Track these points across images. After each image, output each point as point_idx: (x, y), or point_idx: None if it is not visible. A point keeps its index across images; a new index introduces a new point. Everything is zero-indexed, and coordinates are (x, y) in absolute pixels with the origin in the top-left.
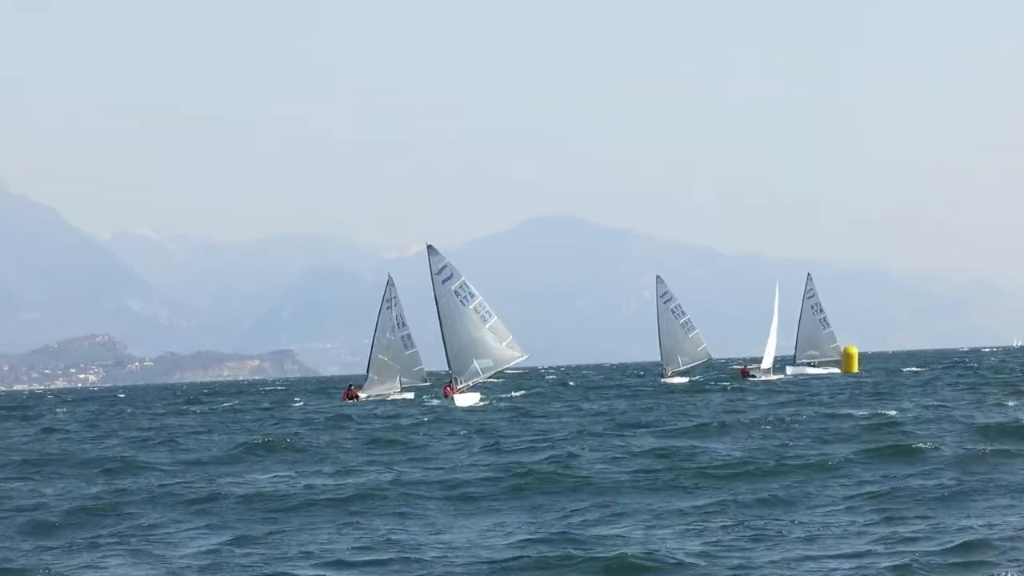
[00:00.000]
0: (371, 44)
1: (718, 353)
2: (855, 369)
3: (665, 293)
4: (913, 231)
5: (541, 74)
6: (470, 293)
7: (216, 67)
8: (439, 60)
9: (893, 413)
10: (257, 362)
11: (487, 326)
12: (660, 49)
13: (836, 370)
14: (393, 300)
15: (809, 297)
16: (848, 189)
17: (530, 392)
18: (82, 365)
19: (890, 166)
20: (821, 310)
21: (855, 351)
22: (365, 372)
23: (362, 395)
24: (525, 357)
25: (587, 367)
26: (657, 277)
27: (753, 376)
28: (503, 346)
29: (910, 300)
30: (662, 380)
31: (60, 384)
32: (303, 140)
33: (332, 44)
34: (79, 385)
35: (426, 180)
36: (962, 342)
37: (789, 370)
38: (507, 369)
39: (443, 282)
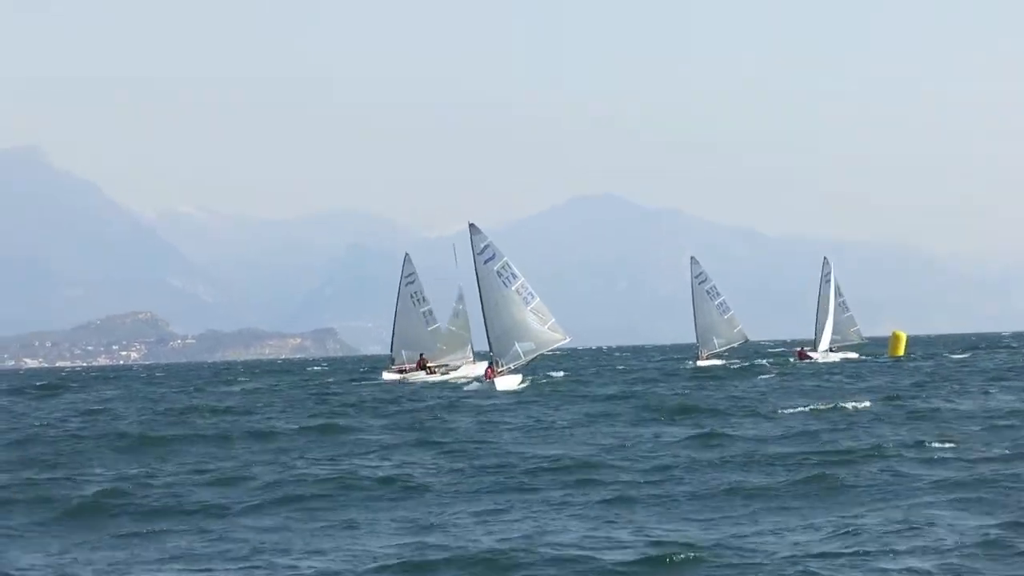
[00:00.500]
0: (416, 31)
1: (757, 335)
2: (901, 353)
3: (700, 274)
4: (955, 213)
5: (584, 55)
6: (512, 274)
7: (257, 44)
8: (485, 42)
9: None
10: (299, 340)
11: (529, 308)
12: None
13: (853, 355)
14: (412, 276)
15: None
16: (889, 174)
17: (569, 373)
18: (124, 342)
19: (931, 148)
20: (840, 293)
21: (903, 335)
22: (389, 350)
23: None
24: (568, 340)
25: (621, 348)
26: (692, 258)
27: (811, 358)
28: (545, 328)
29: (952, 283)
30: (696, 363)
31: (102, 361)
32: (347, 118)
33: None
34: (120, 362)
35: (469, 159)
36: (1006, 326)
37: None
38: (550, 351)
39: (485, 262)
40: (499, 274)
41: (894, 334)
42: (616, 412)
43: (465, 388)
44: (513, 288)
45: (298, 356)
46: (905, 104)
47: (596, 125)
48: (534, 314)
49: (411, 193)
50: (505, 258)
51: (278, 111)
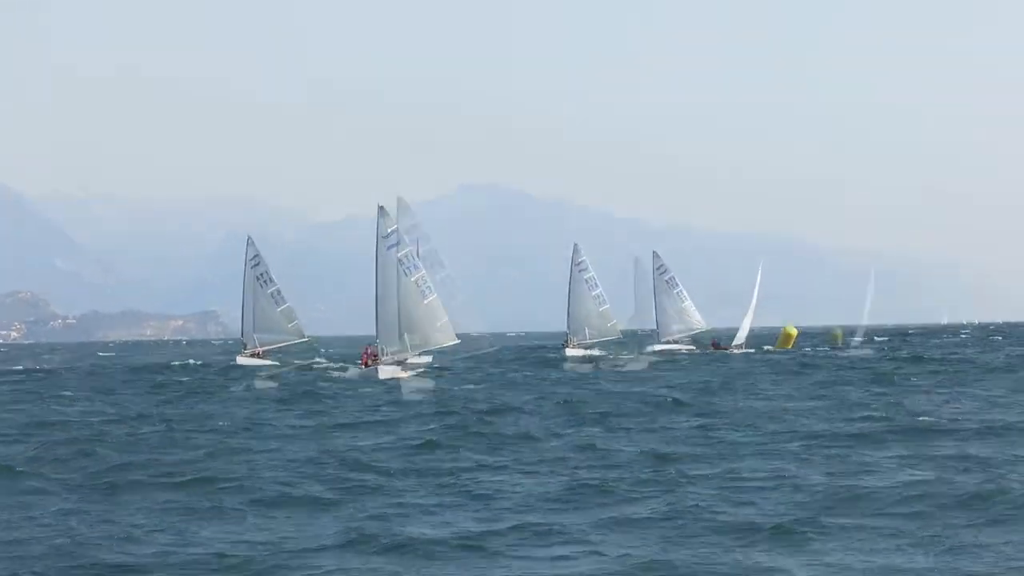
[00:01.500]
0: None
1: (641, 326)
2: (790, 347)
3: (581, 262)
4: (835, 205)
5: (483, 37)
6: (414, 265)
7: (145, 24)
8: (368, 19)
9: None
10: (180, 322)
11: (425, 302)
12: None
13: (693, 347)
14: (257, 258)
15: (661, 273)
16: (772, 160)
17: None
18: (3, 321)
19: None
20: (677, 284)
21: (794, 332)
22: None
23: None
24: (456, 343)
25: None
26: (575, 245)
27: (725, 349)
28: (436, 327)
29: (839, 277)
30: (565, 350)
31: None
32: (231, 101)
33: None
34: (1, 342)
35: (358, 144)
36: (890, 319)
37: (657, 347)
38: (441, 349)
39: (388, 248)
40: (400, 262)
41: (784, 330)
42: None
43: (337, 374)
44: (412, 279)
45: (178, 338)
46: (797, 95)
47: (485, 118)
48: (428, 309)
49: (300, 180)
50: (408, 248)
51: (171, 96)
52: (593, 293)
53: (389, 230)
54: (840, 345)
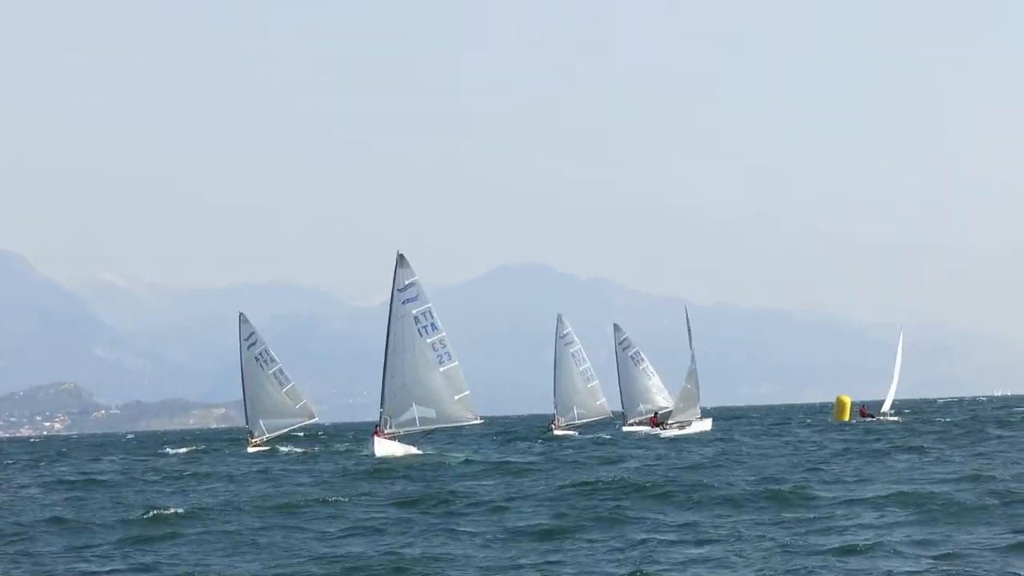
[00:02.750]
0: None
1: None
2: (847, 418)
3: (566, 335)
4: (870, 278)
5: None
6: (432, 325)
7: (177, 119)
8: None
9: None
10: (223, 410)
11: (442, 368)
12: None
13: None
14: (253, 336)
15: (624, 348)
16: (819, 239)
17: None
18: (48, 413)
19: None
20: (643, 359)
21: (847, 399)
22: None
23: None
24: (479, 421)
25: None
26: (558, 317)
27: (871, 416)
28: (455, 399)
29: (872, 349)
30: (552, 431)
31: (25, 432)
32: (264, 188)
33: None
34: (44, 433)
35: (395, 230)
36: (932, 392)
37: (625, 429)
38: (458, 427)
39: (404, 302)
40: (417, 319)
41: (838, 399)
42: None
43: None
44: (429, 340)
45: (223, 425)
46: (807, 175)
47: (523, 194)
48: (445, 378)
49: (338, 263)
50: (429, 304)
51: (202, 181)
52: (580, 368)
53: (407, 282)
54: (848, 420)
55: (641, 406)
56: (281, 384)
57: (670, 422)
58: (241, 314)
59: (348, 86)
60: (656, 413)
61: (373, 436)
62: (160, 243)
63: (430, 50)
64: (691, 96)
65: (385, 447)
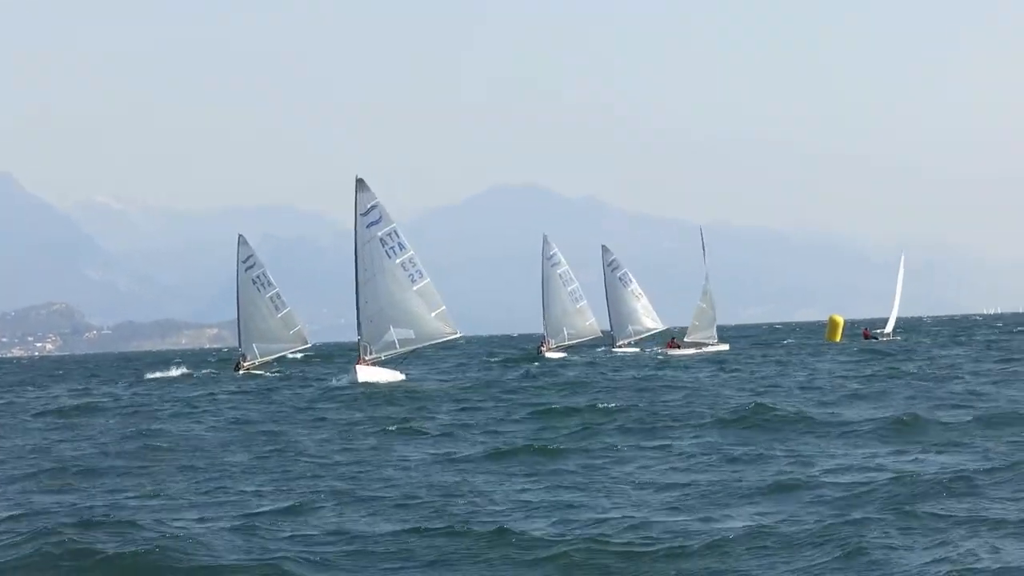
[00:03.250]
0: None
1: (669, 321)
2: (838, 339)
3: (552, 255)
4: (860, 197)
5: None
6: (400, 244)
7: (181, 37)
8: (391, 30)
9: None
10: (216, 330)
11: (415, 288)
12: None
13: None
14: (251, 259)
15: (613, 270)
16: (810, 163)
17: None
18: (39, 333)
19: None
20: (631, 281)
21: (840, 320)
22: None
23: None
24: (458, 336)
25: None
26: (544, 237)
27: (875, 337)
28: (432, 316)
29: (871, 269)
30: (543, 353)
31: (16, 352)
32: (257, 112)
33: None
34: (36, 354)
35: (383, 149)
36: (926, 310)
37: (615, 350)
38: (436, 344)
39: (368, 225)
40: (383, 241)
41: (831, 319)
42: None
43: (334, 382)
44: (398, 261)
45: (215, 345)
46: (826, 96)
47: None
48: (420, 296)
49: (328, 185)
50: (394, 224)
51: (194, 104)
52: (568, 289)
53: (369, 205)
54: (839, 340)
55: (630, 327)
56: (277, 309)
57: (686, 340)
58: (240, 235)
59: (348, 12)
60: (673, 338)
61: (355, 365)
62: (150, 164)
63: None
64: (694, 18)
65: (367, 373)
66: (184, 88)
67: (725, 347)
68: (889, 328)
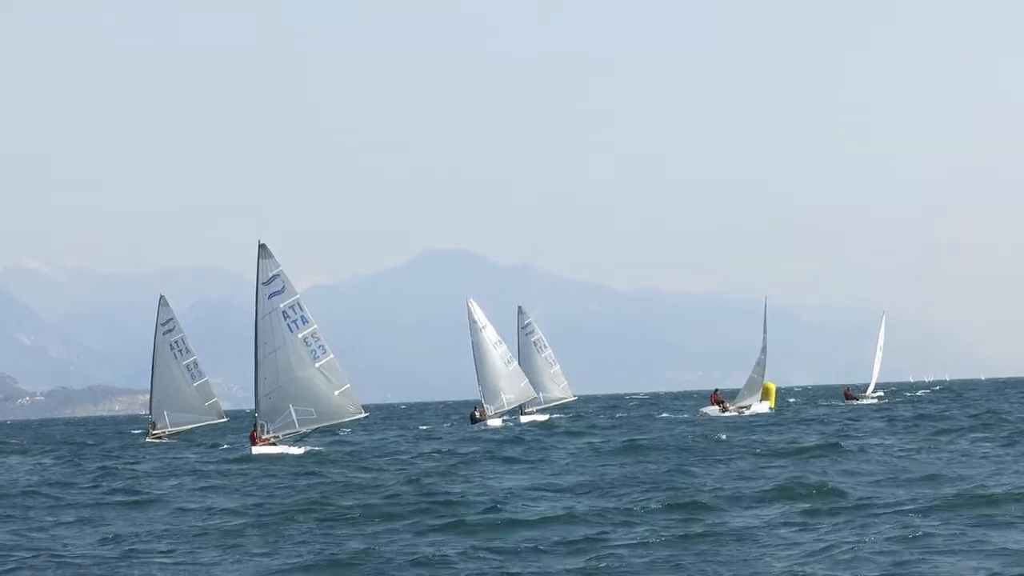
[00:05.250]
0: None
1: (605, 389)
2: (772, 405)
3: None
4: (798, 261)
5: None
6: (303, 317)
7: (104, 99)
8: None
9: None
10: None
11: (318, 364)
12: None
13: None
14: (171, 323)
15: (528, 334)
16: (741, 219)
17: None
18: None
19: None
20: (546, 346)
21: (772, 386)
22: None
23: (730, 408)
24: (362, 415)
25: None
26: (467, 302)
27: (856, 399)
28: (335, 395)
29: (806, 333)
30: (473, 423)
31: None
32: (188, 172)
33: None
34: None
35: (316, 216)
36: (863, 377)
37: (523, 419)
38: (341, 424)
39: (270, 296)
40: (285, 314)
41: (764, 386)
42: None
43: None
44: (300, 335)
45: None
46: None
47: (447, 182)
48: (322, 373)
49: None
50: (297, 296)
51: (119, 170)
52: (499, 351)
53: (271, 274)
54: (773, 407)
55: (540, 395)
56: (193, 378)
57: (733, 405)
58: (162, 296)
59: (289, 61)
60: (717, 390)
61: (251, 441)
62: (80, 229)
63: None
64: (615, 89)
65: (261, 451)
66: (113, 146)
67: (764, 408)
68: (870, 390)
